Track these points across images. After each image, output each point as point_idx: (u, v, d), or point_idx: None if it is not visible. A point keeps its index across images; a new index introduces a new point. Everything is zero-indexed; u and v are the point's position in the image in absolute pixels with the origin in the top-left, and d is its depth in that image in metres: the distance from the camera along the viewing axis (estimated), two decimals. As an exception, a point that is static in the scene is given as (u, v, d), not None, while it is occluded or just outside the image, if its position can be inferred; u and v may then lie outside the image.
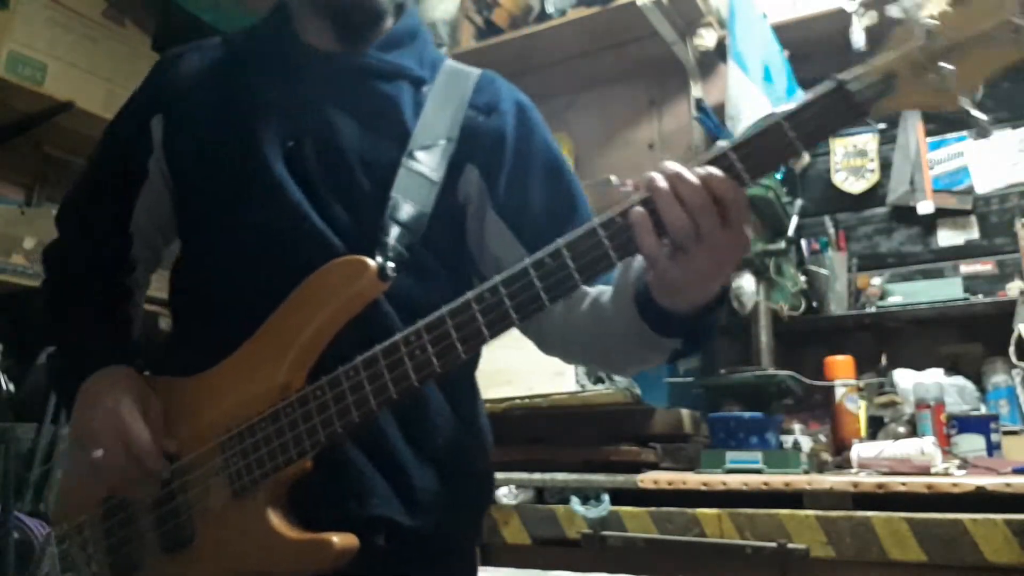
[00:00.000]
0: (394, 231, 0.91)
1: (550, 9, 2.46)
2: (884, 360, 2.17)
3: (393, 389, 0.80)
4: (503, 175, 0.99)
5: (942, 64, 0.67)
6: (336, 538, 0.82)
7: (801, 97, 0.72)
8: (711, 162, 0.72)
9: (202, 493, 0.87)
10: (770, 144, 0.71)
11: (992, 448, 1.75)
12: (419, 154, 0.95)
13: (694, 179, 0.71)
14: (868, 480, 1.51)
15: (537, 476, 1.81)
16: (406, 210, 0.93)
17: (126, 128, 1.06)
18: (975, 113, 0.69)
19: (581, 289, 0.82)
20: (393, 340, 0.82)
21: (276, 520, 0.84)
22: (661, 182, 0.72)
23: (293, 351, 0.85)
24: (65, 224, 1.08)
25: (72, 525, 0.96)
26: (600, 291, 0.92)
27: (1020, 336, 1.94)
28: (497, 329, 0.78)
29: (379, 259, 0.88)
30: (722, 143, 0.74)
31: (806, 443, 1.86)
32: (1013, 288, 2.07)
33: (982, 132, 0.73)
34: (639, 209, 0.73)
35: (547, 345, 1.03)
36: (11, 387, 2.32)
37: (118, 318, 1.03)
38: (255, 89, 0.99)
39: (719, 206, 0.71)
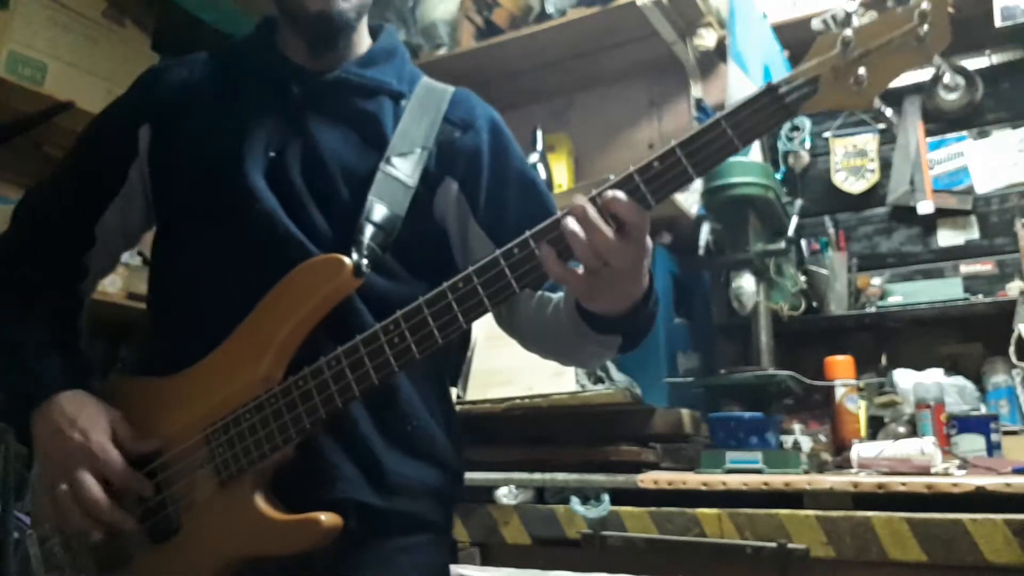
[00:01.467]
0: (368, 231, 0.96)
1: (550, 9, 2.46)
2: (884, 360, 2.17)
3: (374, 376, 0.85)
4: (482, 190, 1.05)
5: (858, 69, 0.78)
6: (323, 516, 0.86)
7: (738, 101, 0.81)
8: (617, 185, 0.80)
9: (188, 485, 0.90)
10: (708, 143, 0.80)
11: (992, 448, 1.75)
12: (395, 160, 1.00)
13: (595, 218, 0.79)
14: (868, 480, 1.51)
15: (537, 476, 1.81)
16: (380, 211, 0.98)
17: (110, 133, 1.08)
18: (886, 111, 0.81)
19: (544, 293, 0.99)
20: (372, 330, 0.86)
21: (264, 504, 0.87)
22: (570, 224, 0.80)
23: (273, 346, 0.89)
24: (25, 218, 1.08)
25: (53, 525, 0.96)
26: (560, 295, 1.00)
27: (1020, 336, 1.94)
28: (472, 316, 0.84)
29: (355, 256, 0.92)
30: (631, 166, 0.81)
31: (806, 443, 1.86)
32: (1013, 288, 2.07)
33: (888, 125, 0.82)
34: (545, 246, 0.81)
35: (526, 343, 1.09)
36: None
37: (69, 334, 1.03)
38: (241, 102, 1.03)
39: (620, 228, 0.79)
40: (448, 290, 0.84)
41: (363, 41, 1.11)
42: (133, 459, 0.92)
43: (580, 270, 0.83)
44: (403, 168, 1.00)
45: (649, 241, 0.82)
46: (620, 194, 0.79)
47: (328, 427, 0.91)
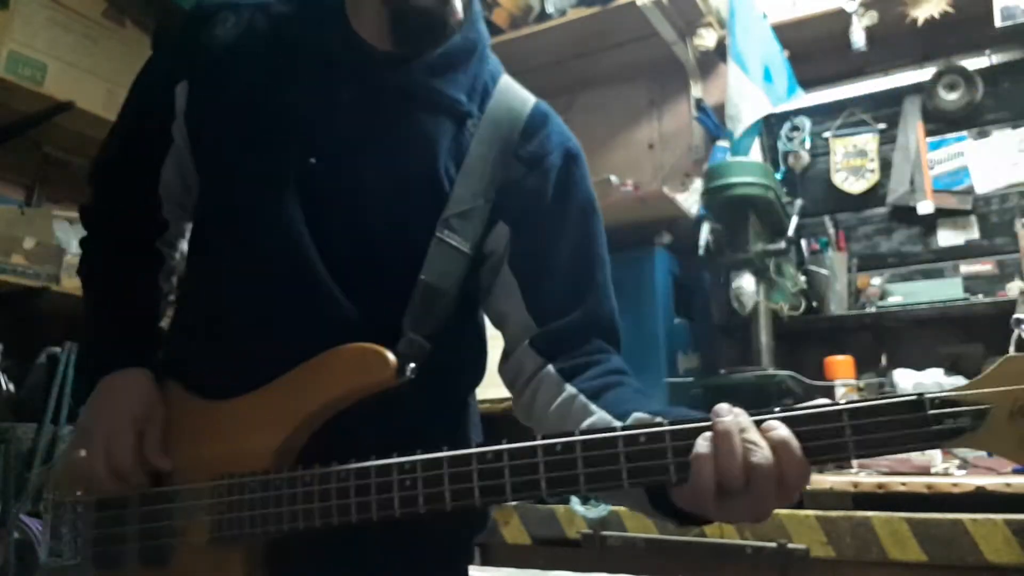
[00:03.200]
0: (417, 318, 0.87)
1: (550, 9, 2.47)
2: (884, 360, 2.17)
3: (375, 511, 0.79)
4: (531, 234, 0.91)
5: None
6: None
7: (872, 399, 0.63)
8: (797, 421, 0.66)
9: (186, 524, 0.89)
10: (822, 433, 0.65)
11: (992, 448, 1.75)
12: (455, 222, 0.88)
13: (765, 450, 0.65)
14: (868, 480, 1.51)
15: (537, 476, 1.80)
16: (433, 294, 0.87)
17: (151, 90, 1.00)
18: None
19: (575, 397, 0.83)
20: (387, 462, 0.79)
21: None
22: (728, 437, 0.67)
23: (295, 421, 0.87)
24: (97, 185, 1.04)
25: (68, 499, 0.97)
26: (596, 415, 0.83)
27: (1020, 336, 1.94)
28: (490, 500, 0.74)
29: (400, 355, 0.83)
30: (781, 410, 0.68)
31: (806, 443, 1.86)
32: (1013, 288, 2.07)
33: None
34: (704, 445, 0.67)
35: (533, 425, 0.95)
36: (11, 387, 2.32)
37: (146, 300, 1.01)
38: (291, 77, 0.91)
39: (781, 475, 0.64)
40: (475, 458, 0.74)
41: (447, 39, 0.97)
42: (149, 467, 0.91)
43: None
44: (462, 231, 0.88)
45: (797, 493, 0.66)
46: (791, 439, 0.65)
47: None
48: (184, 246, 1.05)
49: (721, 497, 0.66)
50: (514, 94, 0.98)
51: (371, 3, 0.91)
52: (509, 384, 0.97)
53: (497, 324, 0.98)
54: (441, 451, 0.76)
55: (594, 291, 0.93)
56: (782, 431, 0.66)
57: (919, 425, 0.61)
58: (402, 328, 0.86)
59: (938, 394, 0.60)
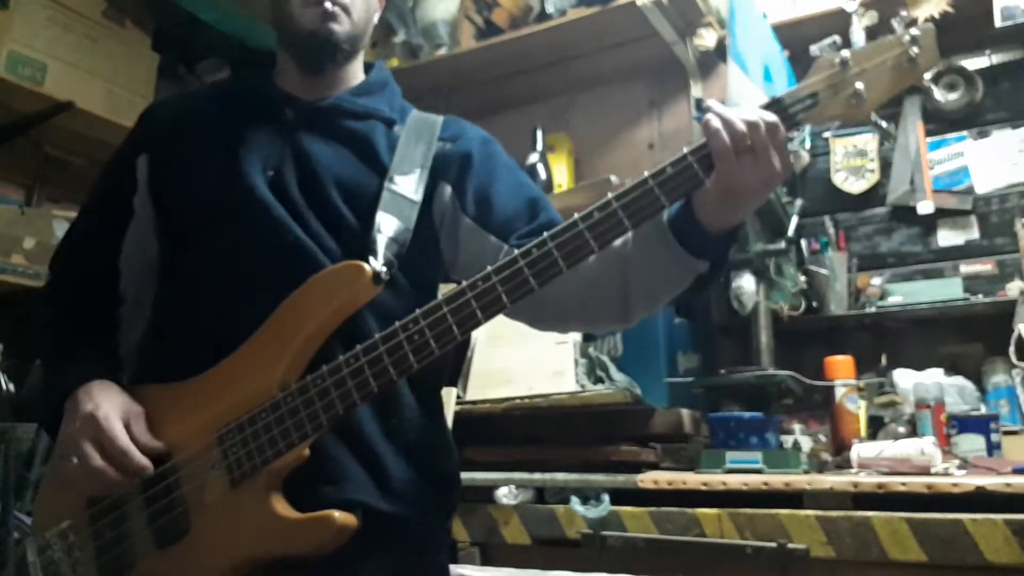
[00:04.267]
0: (382, 242, 0.99)
1: (550, 9, 2.47)
2: (884, 360, 2.17)
3: (393, 371, 0.86)
4: (471, 184, 1.08)
5: (856, 85, 0.87)
6: (337, 514, 0.86)
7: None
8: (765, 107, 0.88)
9: (197, 487, 0.89)
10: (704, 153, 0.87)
11: (992, 448, 1.75)
12: (398, 178, 1.05)
13: (752, 116, 0.86)
14: (868, 480, 1.51)
15: (537, 476, 1.81)
16: (391, 225, 1.01)
17: (114, 170, 1.13)
18: (881, 123, 0.94)
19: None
20: (392, 328, 0.87)
21: (277, 503, 0.87)
22: (726, 112, 0.86)
23: (291, 351, 0.89)
24: (58, 264, 1.14)
25: (55, 532, 0.96)
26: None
27: (1020, 336, 1.94)
28: (491, 312, 0.86)
29: (373, 263, 0.94)
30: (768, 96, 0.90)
31: (806, 443, 1.86)
32: (1013, 288, 2.07)
33: (886, 136, 0.85)
34: (715, 120, 0.86)
35: (541, 317, 1.08)
36: (11, 387, 2.32)
37: (104, 339, 1.07)
38: (237, 127, 1.07)
39: (770, 135, 0.85)
40: (467, 288, 0.86)
41: (357, 76, 1.16)
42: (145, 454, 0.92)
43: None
44: (406, 185, 1.04)
45: (779, 166, 0.87)
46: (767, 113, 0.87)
47: (335, 431, 0.92)
48: (137, 326, 1.13)
49: (737, 156, 0.85)
50: (427, 114, 1.17)
51: (286, 60, 1.12)
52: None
53: (470, 270, 1.03)
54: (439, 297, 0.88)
55: (541, 201, 1.09)
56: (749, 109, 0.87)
57: (782, 112, 0.88)
58: (370, 252, 0.97)
59: (783, 94, 0.89)
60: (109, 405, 0.93)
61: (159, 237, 1.09)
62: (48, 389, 1.02)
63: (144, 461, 0.91)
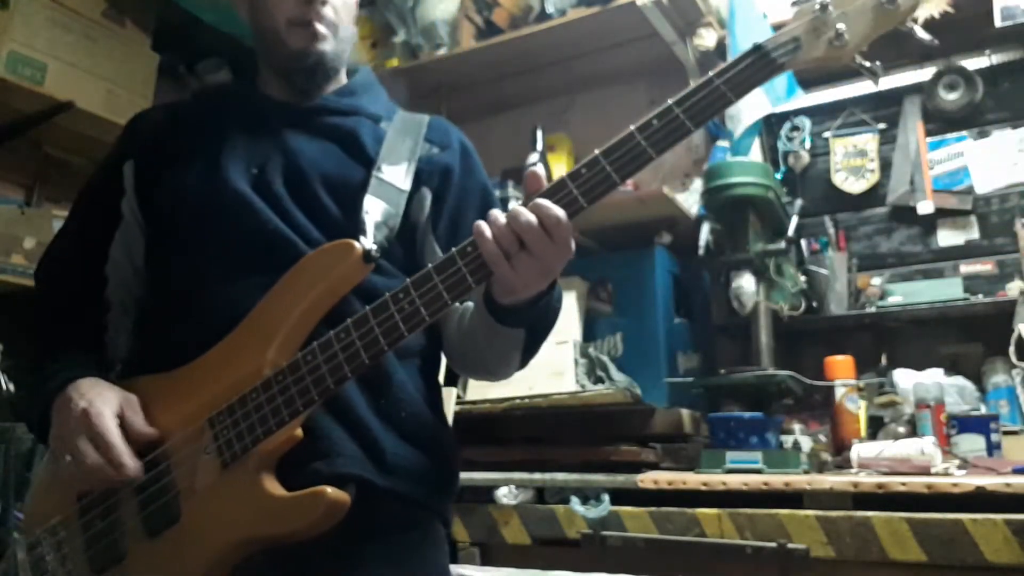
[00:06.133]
0: (371, 223, 0.99)
1: (550, 9, 2.46)
2: (884, 360, 2.17)
3: (384, 341, 0.86)
4: (446, 207, 1.10)
5: (836, 26, 0.87)
6: (329, 489, 0.84)
7: (729, 61, 0.89)
8: (548, 193, 0.86)
9: (188, 472, 0.89)
10: (703, 99, 0.88)
11: (992, 448, 1.75)
12: (386, 168, 1.05)
13: (523, 219, 0.84)
14: (868, 480, 1.51)
15: (537, 476, 1.81)
16: (379, 208, 1.02)
17: (101, 177, 1.14)
18: (866, 64, 0.88)
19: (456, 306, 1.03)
20: (382, 299, 0.88)
21: (269, 483, 0.85)
22: (494, 217, 0.87)
23: (282, 331, 0.88)
24: (43, 273, 1.15)
25: (45, 528, 0.96)
26: (467, 306, 1.08)
27: (1020, 336, 1.94)
28: (481, 276, 0.88)
29: (364, 243, 0.94)
30: (564, 174, 0.88)
31: (806, 443, 1.86)
32: (1013, 288, 2.07)
33: (873, 76, 0.90)
34: (482, 225, 0.86)
35: (452, 360, 1.15)
36: (11, 387, 2.32)
37: (91, 343, 1.07)
38: (222, 131, 1.08)
39: (545, 231, 0.84)
40: (457, 255, 0.87)
41: (340, 80, 1.17)
42: (141, 446, 0.92)
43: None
44: (395, 175, 1.05)
45: (572, 245, 0.87)
46: (544, 204, 0.85)
47: (328, 410, 0.92)
48: (122, 332, 1.13)
49: (509, 260, 0.85)
50: (413, 113, 1.18)
51: (268, 71, 1.13)
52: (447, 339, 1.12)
53: None
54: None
55: None
56: (537, 200, 0.86)
57: (764, 57, 0.88)
58: (359, 233, 0.97)
59: (766, 40, 0.89)
60: (100, 401, 0.92)
61: (146, 239, 1.09)
62: (35, 391, 1.01)
63: (131, 460, 0.90)
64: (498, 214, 0.86)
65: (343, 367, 0.87)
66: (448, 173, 1.12)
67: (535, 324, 0.99)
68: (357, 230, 0.98)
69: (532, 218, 0.84)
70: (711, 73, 0.89)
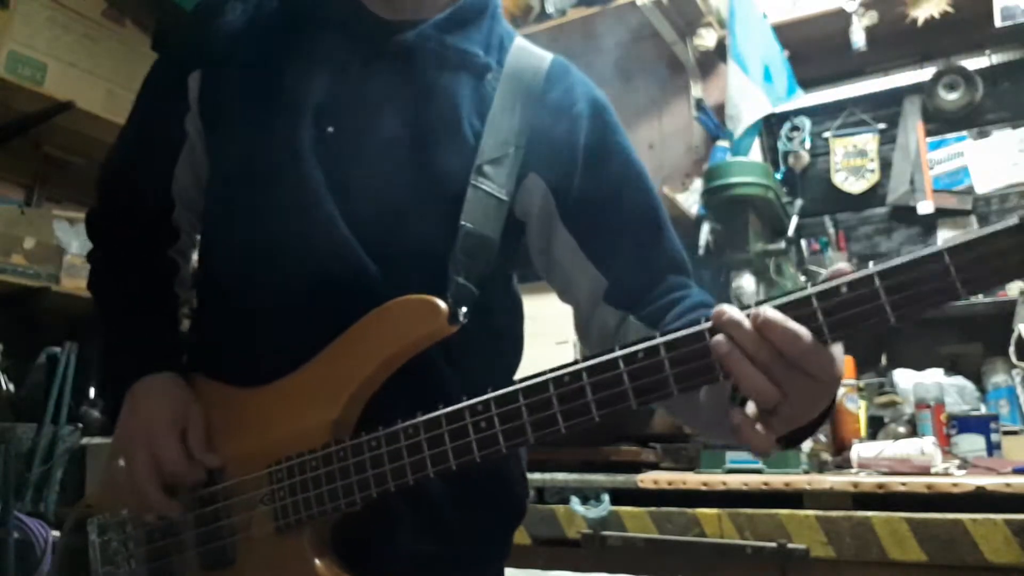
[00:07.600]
0: (463, 264, 0.85)
1: (550, 9, 2.47)
2: (884, 360, 2.17)
3: (453, 460, 0.77)
4: (573, 189, 0.90)
5: None
6: None
7: (972, 233, 0.57)
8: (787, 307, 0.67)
9: (246, 520, 0.85)
10: (919, 279, 0.61)
11: (992, 448, 1.75)
12: (487, 169, 0.87)
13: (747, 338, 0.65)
14: (868, 480, 1.51)
15: (537, 476, 1.80)
16: (476, 239, 0.85)
17: (164, 86, 0.98)
18: None
19: None
20: (458, 407, 0.77)
21: (319, 563, 0.82)
22: (718, 344, 0.65)
23: (350, 388, 0.83)
24: (106, 190, 1.02)
25: (114, 519, 0.93)
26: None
27: (1020, 336, 1.94)
28: (575, 423, 0.72)
29: (450, 301, 0.81)
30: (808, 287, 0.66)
31: (806, 443, 1.86)
32: (1013, 288, 2.07)
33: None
34: (721, 341, 0.66)
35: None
36: (11, 387, 2.32)
37: (164, 305, 0.98)
38: (303, 54, 0.90)
39: (798, 368, 0.64)
40: (551, 382, 0.73)
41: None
42: (198, 473, 0.87)
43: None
44: (496, 178, 0.86)
45: (839, 368, 0.66)
46: (776, 315, 0.65)
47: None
48: (196, 257, 1.02)
49: (763, 416, 0.64)
50: (532, 49, 0.96)
51: None
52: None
53: (564, 293, 0.96)
54: (514, 384, 0.74)
55: (660, 233, 0.92)
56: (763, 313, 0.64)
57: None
58: (448, 275, 0.84)
59: None
60: (169, 412, 0.87)
61: (210, 171, 0.95)
62: (109, 377, 0.95)
63: (195, 480, 0.86)
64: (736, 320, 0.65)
65: (406, 473, 0.78)
66: (571, 149, 0.90)
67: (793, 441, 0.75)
68: (442, 269, 0.84)
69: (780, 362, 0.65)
70: (941, 247, 0.60)
